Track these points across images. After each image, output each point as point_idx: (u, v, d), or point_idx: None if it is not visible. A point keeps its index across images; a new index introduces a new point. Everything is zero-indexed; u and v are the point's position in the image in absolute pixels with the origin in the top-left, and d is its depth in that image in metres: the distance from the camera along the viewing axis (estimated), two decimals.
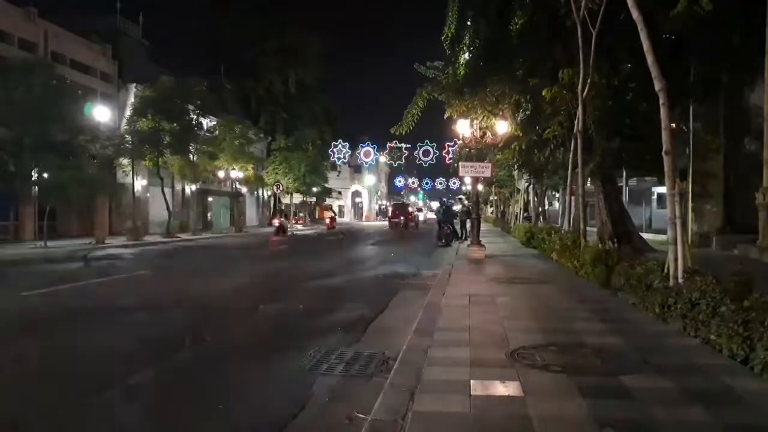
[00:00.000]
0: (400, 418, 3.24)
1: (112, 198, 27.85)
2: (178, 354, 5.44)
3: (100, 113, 25.02)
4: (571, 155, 11.92)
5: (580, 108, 10.73)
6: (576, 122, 11.03)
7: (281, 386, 4.46)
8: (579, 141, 10.84)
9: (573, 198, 12.95)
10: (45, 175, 21.16)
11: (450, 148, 41.45)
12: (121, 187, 26.59)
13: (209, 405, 4.04)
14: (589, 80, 10.37)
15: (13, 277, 12.38)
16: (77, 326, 6.85)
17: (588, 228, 11.60)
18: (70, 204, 22.57)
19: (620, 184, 20.13)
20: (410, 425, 3.13)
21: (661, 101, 6.58)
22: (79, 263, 15.34)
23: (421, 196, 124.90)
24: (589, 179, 13.66)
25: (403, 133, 15.42)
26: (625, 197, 20.46)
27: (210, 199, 40.79)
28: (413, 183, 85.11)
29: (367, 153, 48.42)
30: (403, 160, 47.44)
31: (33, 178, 21.60)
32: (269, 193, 50.08)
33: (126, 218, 27.07)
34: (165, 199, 28.01)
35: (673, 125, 6.91)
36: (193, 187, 35.40)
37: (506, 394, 3.70)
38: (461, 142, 18.37)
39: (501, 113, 14.29)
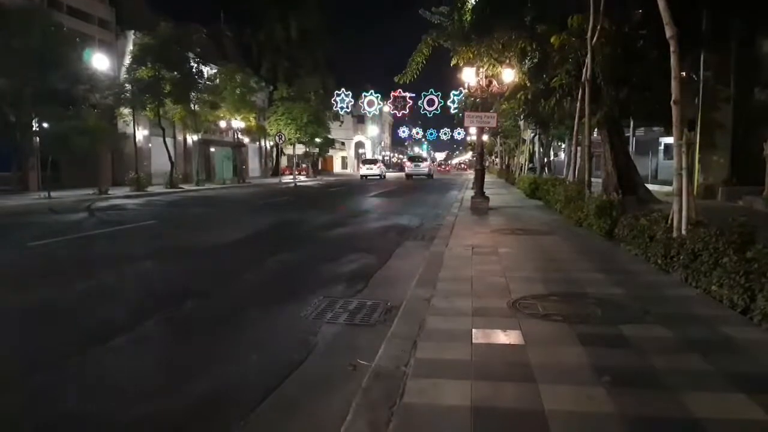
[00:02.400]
0: (403, 365, 3.30)
1: (114, 148, 27.76)
2: (185, 303, 5.51)
3: (99, 61, 24.64)
4: (578, 104, 11.74)
5: (588, 56, 10.49)
6: (584, 70, 10.81)
7: (286, 334, 4.53)
8: (587, 90, 10.65)
9: (579, 148, 12.82)
10: (46, 125, 21.02)
11: (455, 98, 40.90)
12: (122, 137, 26.46)
13: (215, 353, 4.12)
14: (598, 27, 10.10)
15: (18, 227, 12.45)
16: (84, 276, 6.93)
17: (593, 179, 11.54)
18: (71, 154, 22.48)
19: (627, 135, 19.91)
20: (413, 372, 3.19)
21: (671, 49, 6.42)
22: (84, 214, 15.41)
23: (425, 146, 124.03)
24: (595, 129, 13.49)
25: (407, 81, 15.15)
26: (631, 148, 20.25)
27: (212, 149, 40.61)
28: (417, 133, 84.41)
29: (371, 102, 47.81)
30: (407, 110, 46.89)
31: (34, 129, 21.47)
32: (271, 143, 49.76)
33: (128, 169, 27.05)
34: (167, 150, 27.90)
35: (683, 74, 6.76)
36: (195, 138, 35.19)
37: (507, 342, 3.75)
38: (467, 91, 18.11)
39: (507, 61, 14.00)
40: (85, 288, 6.29)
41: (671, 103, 6.43)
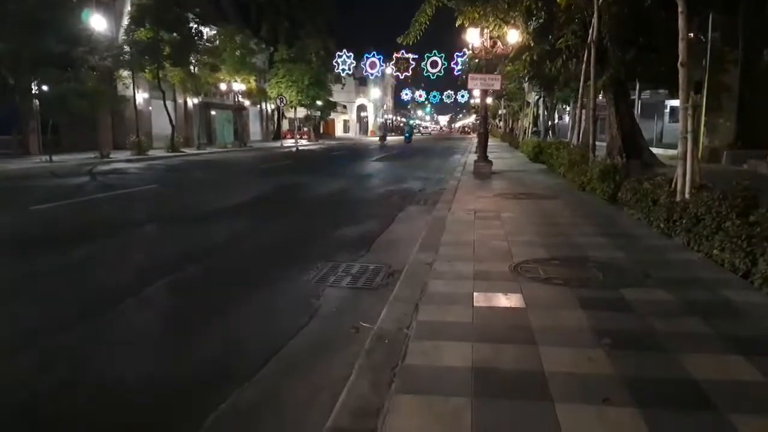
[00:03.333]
0: (405, 327, 3.34)
1: (114, 111, 27.51)
2: (188, 267, 5.54)
3: (97, 22, 24.24)
4: (583, 66, 11.55)
5: (595, 16, 10.28)
6: (590, 31, 10.60)
7: (289, 298, 4.56)
8: (592, 51, 10.47)
9: (584, 111, 12.68)
10: (45, 88, 20.80)
11: (459, 59, 40.27)
12: (122, 99, 26.18)
13: (219, 316, 4.16)
14: None
15: (20, 191, 12.46)
16: (87, 240, 6.96)
17: (598, 143, 11.44)
18: (71, 117, 22.28)
19: (633, 97, 19.66)
20: (414, 334, 3.22)
21: (679, 9, 6.28)
22: (86, 177, 15.40)
23: (428, 109, 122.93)
24: (601, 92, 13.31)
25: (410, 43, 14.84)
26: (636, 111, 20.04)
27: (213, 113, 40.26)
28: (420, 96, 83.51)
29: (373, 64, 47.11)
30: (410, 72, 46.23)
31: (33, 92, 21.26)
32: (272, 107, 49.28)
33: (129, 132, 26.85)
34: (168, 113, 27.67)
35: (691, 35, 6.61)
36: (195, 101, 34.86)
37: (508, 305, 3.78)
38: (471, 52, 17.81)
39: (513, 21, 13.72)
40: (88, 252, 6.33)
41: (678, 65, 6.33)
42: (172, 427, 2.66)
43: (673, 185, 6.35)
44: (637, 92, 22.07)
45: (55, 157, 20.05)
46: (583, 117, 12.79)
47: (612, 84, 12.68)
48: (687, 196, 5.88)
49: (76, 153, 22.98)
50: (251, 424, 2.65)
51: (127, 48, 25.74)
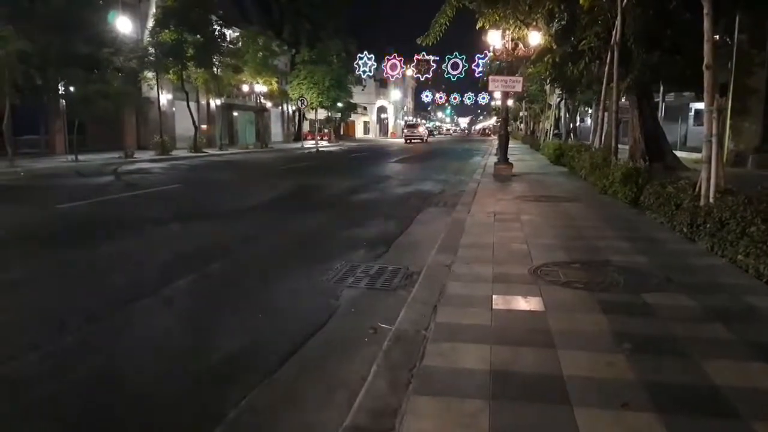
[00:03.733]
0: (423, 329, 3.34)
1: (139, 112, 27.93)
2: (209, 265, 5.61)
3: (123, 24, 24.63)
4: (606, 68, 11.45)
5: (619, 18, 10.17)
6: (614, 33, 10.49)
7: (308, 297, 4.60)
8: (616, 53, 10.37)
9: (606, 114, 12.55)
10: (71, 88, 21.19)
11: (480, 61, 40.16)
12: (146, 101, 26.58)
13: (239, 314, 4.21)
14: None
15: (47, 190, 12.71)
16: (112, 238, 7.09)
17: (620, 146, 11.32)
18: (97, 118, 22.68)
19: (656, 100, 19.39)
20: (433, 336, 3.22)
21: (705, 10, 6.20)
22: (110, 177, 15.66)
23: (448, 111, 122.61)
24: (624, 94, 13.16)
25: (430, 44, 14.82)
26: (660, 113, 19.74)
27: (235, 114, 40.65)
28: (440, 98, 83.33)
29: (393, 66, 47.23)
30: (431, 74, 46.24)
31: (60, 92, 21.67)
32: (293, 108, 49.57)
33: (153, 133, 27.25)
34: (191, 114, 28.01)
35: (716, 37, 6.52)
36: (218, 102, 35.23)
37: (527, 308, 3.77)
38: (492, 54, 17.75)
39: (534, 23, 13.64)
40: (111, 250, 6.44)
41: (703, 67, 6.24)
42: (193, 422, 2.70)
43: (697, 189, 6.26)
44: (660, 95, 21.76)
45: (80, 157, 20.43)
46: (606, 119, 12.66)
47: (635, 86, 12.54)
48: (711, 200, 5.80)
49: (101, 153, 23.39)
50: (270, 422, 2.68)
51: (151, 50, 26.11)
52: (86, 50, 21.05)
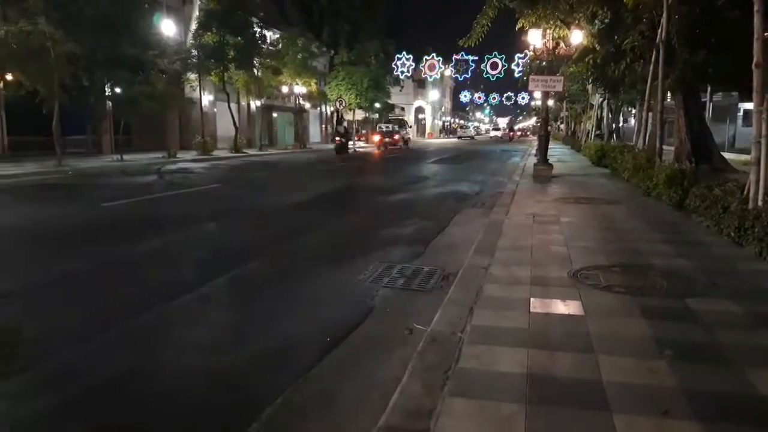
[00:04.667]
0: (459, 331, 3.32)
1: (181, 113, 28.61)
2: (247, 263, 5.71)
3: (167, 27, 25.27)
4: (651, 67, 11.15)
5: (664, 16, 9.91)
6: (659, 31, 10.23)
7: (344, 297, 4.62)
8: (661, 52, 10.10)
9: (650, 114, 12.23)
10: (117, 90, 21.85)
11: (520, 61, 39.68)
12: (189, 102, 27.19)
13: (275, 313, 4.26)
14: None
15: (93, 188, 13.13)
16: (154, 235, 7.28)
17: (665, 147, 11.02)
18: (141, 118, 23.35)
19: (703, 100, 18.81)
20: (468, 338, 3.20)
21: (755, 7, 5.99)
22: (154, 176, 16.07)
23: (487, 111, 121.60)
24: (669, 94, 12.81)
25: (472, 45, 14.73)
26: (707, 114, 19.15)
27: (274, 115, 41.19)
28: (479, 98, 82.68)
29: (432, 66, 47.10)
30: (470, 74, 45.95)
31: (107, 93, 22.37)
32: (332, 109, 49.93)
33: (195, 133, 27.87)
34: (231, 115, 28.52)
35: (767, 34, 6.29)
36: (258, 103, 35.76)
37: (566, 312, 3.70)
38: (532, 53, 17.51)
39: (576, 22, 13.40)
40: (153, 247, 6.61)
41: (752, 66, 6.02)
42: (230, 417, 2.75)
43: (745, 192, 6.05)
44: (708, 94, 21.09)
45: (125, 156, 21.07)
46: (650, 120, 12.33)
47: (680, 85, 12.19)
48: (760, 203, 5.59)
49: (145, 152, 24.04)
50: (305, 419, 2.70)
51: (194, 52, 26.71)
52: (132, 52, 21.69)
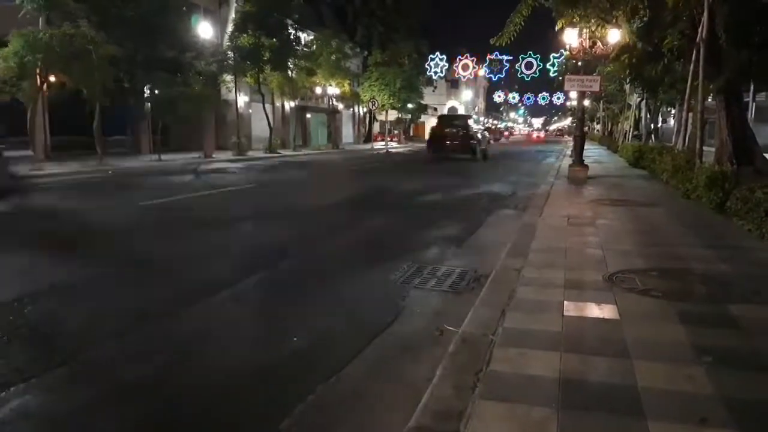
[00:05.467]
0: (491, 333, 3.29)
1: (218, 114, 29.08)
2: (281, 262, 5.77)
3: (204, 30, 25.74)
4: (691, 67, 10.88)
5: (705, 13, 9.65)
6: (700, 30, 9.96)
7: (375, 297, 4.63)
8: (702, 51, 9.84)
9: (690, 114, 11.92)
10: (156, 91, 22.36)
11: (555, 60, 39.15)
12: (225, 103, 27.64)
13: (307, 312, 4.29)
14: None
15: (132, 188, 13.46)
16: (188, 235, 7.42)
17: (705, 148, 10.73)
18: (179, 119, 23.84)
19: (746, 100, 18.23)
20: (500, 340, 3.17)
21: None
22: (191, 176, 16.39)
23: (521, 111, 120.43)
24: (710, 94, 12.45)
25: (504, 44, 14.56)
26: (750, 114, 18.55)
27: (308, 116, 41.55)
28: (513, 98, 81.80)
29: (465, 66, 46.78)
30: (504, 74, 45.53)
31: (146, 95, 22.92)
32: (364, 110, 50.12)
33: (230, 134, 28.33)
34: (266, 116, 28.88)
35: None
36: (292, 104, 36.13)
37: (601, 316, 3.64)
38: (568, 53, 17.26)
39: (615, 20, 13.14)
40: (189, 245, 6.74)
41: None
42: (262, 413, 2.78)
43: None
44: (751, 94, 20.44)
45: (163, 156, 21.54)
46: (690, 120, 12.02)
47: (723, 86, 11.84)
48: None
49: (182, 153, 24.53)
50: (335, 418, 2.72)
51: (230, 53, 27.14)
52: (170, 55, 22.21)
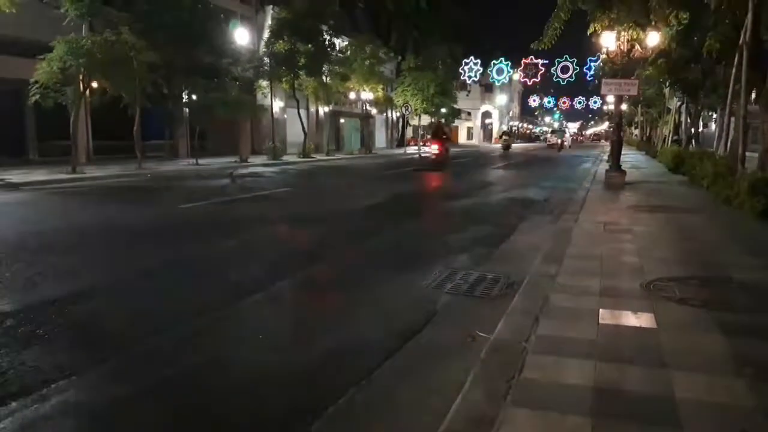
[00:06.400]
0: (523, 340, 3.26)
1: (253, 119, 29.51)
2: (313, 265, 5.83)
3: (241, 36, 26.18)
4: (733, 71, 10.58)
5: (749, 15, 9.38)
6: (743, 32, 9.69)
7: (407, 302, 4.63)
8: (745, 54, 9.57)
9: (733, 119, 11.60)
10: (194, 96, 22.83)
11: (592, 64, 38.57)
12: (260, 108, 28.06)
13: (339, 315, 4.33)
14: None
15: (171, 191, 13.76)
16: (224, 238, 7.55)
17: (748, 153, 10.42)
18: (215, 124, 24.24)
19: None
20: (533, 347, 3.14)
21: None
22: (226, 180, 16.66)
23: (557, 116, 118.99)
24: (753, 98, 12.09)
25: (545, 48, 14.42)
26: None
27: (342, 120, 41.83)
28: (549, 102, 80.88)
29: (500, 71, 46.55)
30: (539, 78, 45.09)
31: (184, 100, 23.41)
32: (398, 114, 50.17)
33: (265, 138, 28.73)
34: (300, 121, 29.18)
35: None
36: (326, 109, 36.41)
37: (637, 325, 3.57)
38: (605, 56, 16.99)
39: (653, 23, 12.88)
40: (226, 247, 6.86)
41: None
42: (294, 414, 2.81)
43: None
44: None
45: (200, 161, 21.96)
46: (732, 125, 11.69)
47: (766, 90, 11.49)
48: None
49: (219, 157, 24.97)
50: (366, 421, 2.73)
51: (266, 59, 27.53)
52: (208, 60, 22.62)
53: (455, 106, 50.81)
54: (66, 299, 4.48)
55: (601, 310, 3.81)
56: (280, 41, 27.06)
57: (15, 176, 14.82)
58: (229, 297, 4.66)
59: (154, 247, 6.95)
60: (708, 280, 4.60)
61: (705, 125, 32.01)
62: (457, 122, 60.63)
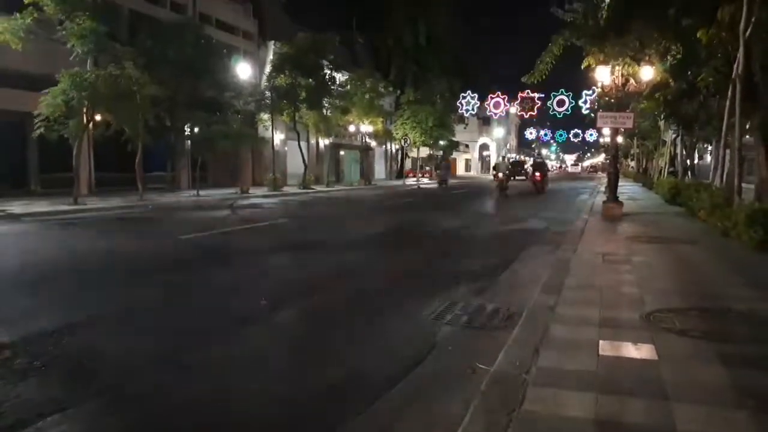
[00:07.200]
0: (524, 372, 3.25)
1: (254, 151, 29.78)
2: (312, 297, 5.82)
3: (243, 71, 26.60)
4: (727, 104, 10.73)
5: (741, 50, 9.57)
6: (735, 66, 9.87)
7: (406, 334, 4.62)
8: (738, 87, 9.73)
9: (728, 151, 11.72)
10: (196, 129, 23.08)
11: (587, 98, 39.07)
12: (261, 140, 28.32)
13: (338, 347, 4.32)
14: (753, 18, 9.19)
15: (172, 222, 13.80)
16: (226, 267, 7.55)
17: (744, 185, 10.51)
18: (217, 156, 24.43)
19: None
20: (534, 380, 3.13)
21: None
22: (227, 211, 16.72)
23: (554, 148, 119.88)
24: (747, 130, 12.24)
25: (535, 82, 14.64)
26: None
27: (342, 153, 42.19)
28: (545, 135, 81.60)
29: (497, 104, 47.02)
30: (535, 111, 45.58)
31: (186, 133, 23.66)
32: (397, 147, 50.61)
33: (266, 170, 28.94)
34: (301, 153, 29.43)
35: None
36: (326, 141, 36.72)
37: (638, 356, 3.56)
38: (600, 90, 17.25)
39: (647, 58, 13.12)
40: (225, 278, 6.85)
41: None
42: None
43: None
44: None
45: (201, 192, 22.09)
46: (728, 157, 11.81)
47: (760, 122, 11.65)
48: None
49: (220, 188, 25.11)
50: None
51: (267, 93, 27.93)
52: (210, 94, 22.96)
53: (453, 138, 51.32)
54: (63, 330, 4.47)
55: (601, 341, 3.81)
56: (282, 75, 27.48)
57: (17, 207, 14.89)
58: (228, 327, 4.65)
59: (153, 278, 6.95)
60: (707, 311, 4.60)
61: (700, 157, 32.31)
62: (455, 154, 61.13)
